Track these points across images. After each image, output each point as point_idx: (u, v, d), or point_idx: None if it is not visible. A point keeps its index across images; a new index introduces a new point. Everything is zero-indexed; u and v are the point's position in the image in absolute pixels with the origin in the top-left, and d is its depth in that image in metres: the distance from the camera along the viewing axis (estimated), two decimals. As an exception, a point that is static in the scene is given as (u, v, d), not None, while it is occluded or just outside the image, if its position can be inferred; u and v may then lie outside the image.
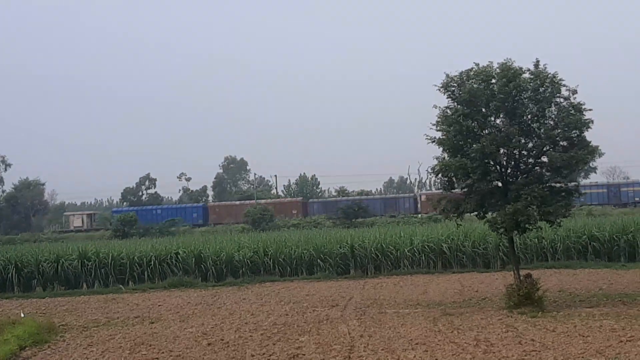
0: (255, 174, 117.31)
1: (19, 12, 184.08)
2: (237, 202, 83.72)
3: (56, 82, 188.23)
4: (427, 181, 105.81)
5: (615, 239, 33.05)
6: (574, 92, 20.40)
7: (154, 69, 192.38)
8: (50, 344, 18.24)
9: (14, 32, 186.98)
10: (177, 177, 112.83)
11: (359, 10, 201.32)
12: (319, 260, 33.94)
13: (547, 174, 20.92)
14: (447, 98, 21.09)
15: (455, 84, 20.89)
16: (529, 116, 20.69)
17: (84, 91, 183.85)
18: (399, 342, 15.95)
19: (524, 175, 20.93)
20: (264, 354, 15.54)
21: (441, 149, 21.14)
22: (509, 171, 21.17)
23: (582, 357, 13.64)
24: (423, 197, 74.01)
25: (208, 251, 34.96)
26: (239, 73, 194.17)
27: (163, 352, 16.39)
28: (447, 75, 21.02)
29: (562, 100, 20.50)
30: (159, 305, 25.85)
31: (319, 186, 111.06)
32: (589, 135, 20.46)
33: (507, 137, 20.11)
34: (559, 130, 20.31)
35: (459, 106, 20.72)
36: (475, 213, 21.82)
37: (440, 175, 21.30)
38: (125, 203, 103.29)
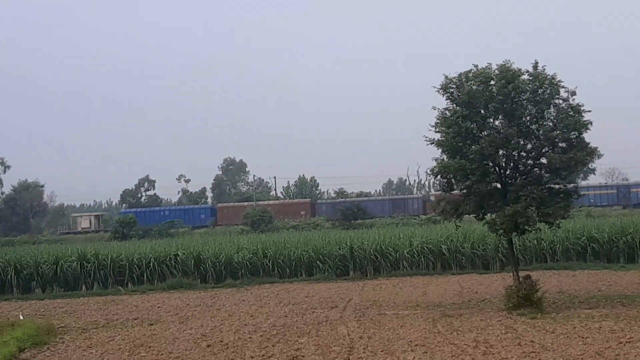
0: (254, 176, 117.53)
1: (19, 12, 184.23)
2: (245, 203, 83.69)
3: (56, 82, 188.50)
4: (426, 183, 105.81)
5: (614, 240, 33.07)
6: (573, 93, 20.42)
7: (153, 69, 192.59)
8: (49, 345, 18.24)
9: (14, 32, 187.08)
10: (176, 179, 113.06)
11: (359, 10, 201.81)
12: (318, 261, 33.96)
13: (546, 175, 20.93)
14: (446, 99, 21.10)
15: (454, 86, 20.90)
16: (528, 118, 20.70)
17: (83, 91, 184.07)
18: (399, 344, 15.95)
19: (523, 177, 20.94)
20: (263, 355, 15.54)
21: (440, 150, 21.16)
22: (507, 172, 21.18)
23: (582, 358, 13.64)
24: (433, 198, 74.00)
25: (207, 253, 34.98)
26: (239, 73, 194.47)
27: (162, 354, 16.39)
28: (446, 77, 21.03)
29: (561, 101, 20.51)
30: (158, 307, 25.85)
31: (318, 188, 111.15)
32: (587, 136, 20.51)
33: (506, 139, 20.12)
34: (558, 132, 20.32)
35: (457, 108, 20.73)
36: (474, 214, 21.83)
37: (439, 176, 21.30)
38: (124, 205, 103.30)
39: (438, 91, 21.14)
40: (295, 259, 34.27)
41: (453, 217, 21.96)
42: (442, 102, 21.17)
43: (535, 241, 32.31)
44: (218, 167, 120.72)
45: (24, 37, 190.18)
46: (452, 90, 20.91)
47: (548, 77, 20.30)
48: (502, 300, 21.06)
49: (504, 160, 20.81)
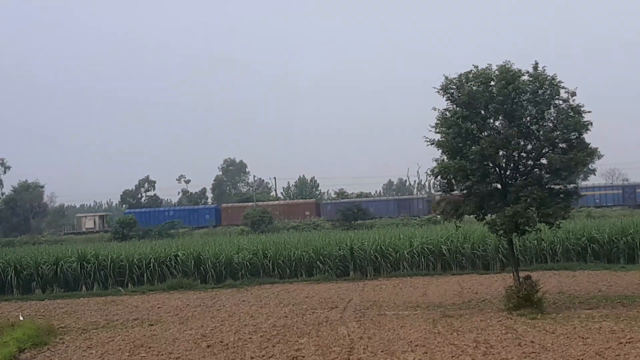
0: (254, 176, 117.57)
1: (19, 12, 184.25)
2: (250, 204, 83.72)
3: (56, 82, 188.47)
4: (427, 183, 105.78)
5: (614, 240, 33.08)
6: (573, 94, 20.44)
7: (153, 69, 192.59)
8: (49, 346, 18.24)
9: (14, 32, 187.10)
10: (177, 180, 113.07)
11: (359, 10, 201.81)
12: (318, 262, 33.96)
13: (546, 176, 20.94)
14: (446, 100, 21.11)
15: (454, 86, 20.91)
16: (528, 118, 20.71)
17: (83, 91, 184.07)
18: (399, 344, 15.96)
19: (523, 177, 20.95)
20: (263, 356, 15.55)
21: (440, 151, 21.17)
22: (508, 173, 21.19)
23: (582, 358, 13.65)
24: (439, 198, 73.77)
25: (207, 253, 34.98)
26: (239, 73, 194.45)
27: (162, 355, 16.40)
28: (446, 78, 21.05)
29: (561, 102, 20.52)
30: (158, 308, 25.85)
31: (319, 188, 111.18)
32: (588, 137, 20.52)
33: (506, 139, 20.14)
34: (558, 133, 20.33)
35: (458, 108, 20.74)
36: (475, 215, 21.84)
37: (439, 177, 21.32)
38: (125, 205, 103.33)
39: (438, 92, 21.15)
40: (296, 259, 34.27)
41: (453, 218, 21.99)
42: (442, 103, 21.22)
43: (536, 242, 32.32)
44: (218, 167, 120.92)
45: (24, 37, 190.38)
46: (452, 91, 20.92)
47: (548, 77, 20.32)
48: (502, 301, 21.07)
49: (504, 160, 20.82)
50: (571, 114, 20.21)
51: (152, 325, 21.46)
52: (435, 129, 20.96)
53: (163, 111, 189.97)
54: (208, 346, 17.02)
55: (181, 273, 33.96)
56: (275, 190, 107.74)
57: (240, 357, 15.58)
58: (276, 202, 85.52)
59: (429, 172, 21.96)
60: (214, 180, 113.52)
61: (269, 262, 34.21)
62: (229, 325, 20.41)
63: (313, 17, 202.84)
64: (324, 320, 20.35)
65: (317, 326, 19.28)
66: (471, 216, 22.28)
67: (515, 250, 24.27)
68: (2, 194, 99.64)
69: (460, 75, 20.95)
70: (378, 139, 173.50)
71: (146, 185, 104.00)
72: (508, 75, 20.18)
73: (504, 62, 20.63)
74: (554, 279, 27.62)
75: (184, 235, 66.16)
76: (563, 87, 20.38)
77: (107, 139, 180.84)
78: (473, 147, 20.23)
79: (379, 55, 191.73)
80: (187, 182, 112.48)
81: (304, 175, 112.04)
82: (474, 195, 21.20)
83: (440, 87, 21.09)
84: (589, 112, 20.26)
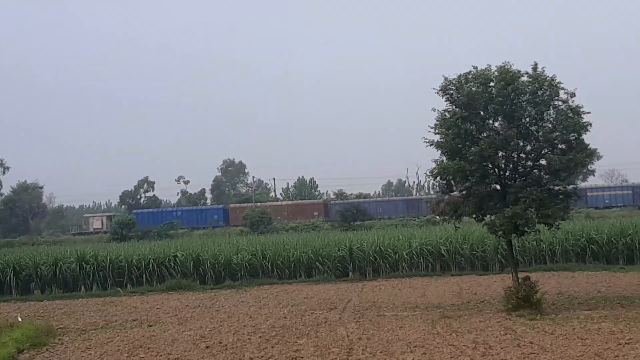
0: (253, 177, 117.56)
1: (19, 12, 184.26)
2: (259, 204, 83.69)
3: (56, 82, 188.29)
4: (426, 184, 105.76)
5: (613, 241, 33.11)
6: (572, 95, 20.46)
7: (153, 69, 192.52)
8: (48, 347, 18.23)
9: (14, 32, 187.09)
10: (176, 180, 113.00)
11: (359, 10, 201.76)
12: (317, 263, 33.98)
13: (546, 176, 20.96)
14: (446, 101, 21.13)
15: (453, 87, 20.92)
16: (528, 119, 20.72)
17: (83, 91, 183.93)
18: (398, 345, 15.95)
19: (523, 178, 20.96)
20: (262, 356, 15.54)
21: (439, 151, 21.17)
22: (507, 174, 21.20)
23: (581, 359, 13.64)
24: (447, 199, 73.42)
25: (206, 254, 34.97)
26: (239, 73, 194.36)
27: (161, 355, 16.39)
28: (446, 79, 21.06)
29: (560, 103, 20.54)
30: (157, 308, 25.84)
31: (317, 189, 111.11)
32: (587, 137, 20.53)
33: (506, 140, 20.15)
34: (558, 133, 20.34)
35: (457, 109, 20.76)
36: (474, 216, 21.84)
37: (438, 178, 21.32)
38: (123, 206, 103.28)
39: (437, 93, 21.17)
40: (295, 260, 34.27)
41: (452, 219, 22.00)
42: (442, 104, 21.23)
43: (535, 242, 32.32)
44: (217, 168, 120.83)
45: (24, 37, 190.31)
46: (451, 91, 20.94)
47: (547, 78, 20.33)
48: (501, 302, 21.07)
49: (503, 161, 20.84)
50: (570, 114, 20.22)
51: (151, 326, 21.45)
52: (435, 130, 20.97)
53: (162, 111, 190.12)
54: (207, 347, 17.02)
55: (180, 274, 33.95)
56: (275, 191, 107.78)
57: (239, 358, 15.58)
58: (284, 203, 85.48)
59: (428, 172, 21.96)
60: (213, 181, 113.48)
61: (268, 263, 34.22)
62: (228, 326, 20.40)
63: (313, 17, 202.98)
64: (322, 321, 20.34)
65: (316, 327, 19.28)
66: (470, 217, 22.27)
67: (514, 251, 24.27)
68: (1, 194, 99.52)
69: (459, 76, 20.97)
70: (377, 139, 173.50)
71: (145, 185, 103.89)
72: (507, 76, 20.20)
73: (503, 63, 20.67)
74: (553, 280, 27.62)
75: (183, 236, 66.12)
76: (562, 88, 20.42)
77: (106, 139, 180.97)
78: (472, 148, 20.24)
79: (379, 56, 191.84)
80: (187, 182, 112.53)
81: (303, 176, 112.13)
82: (473, 196, 21.21)
83: (439, 88, 21.11)
84: (588, 113, 20.32)
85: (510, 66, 20.56)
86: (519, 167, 21.16)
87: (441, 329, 17.83)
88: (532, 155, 20.92)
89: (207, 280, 33.77)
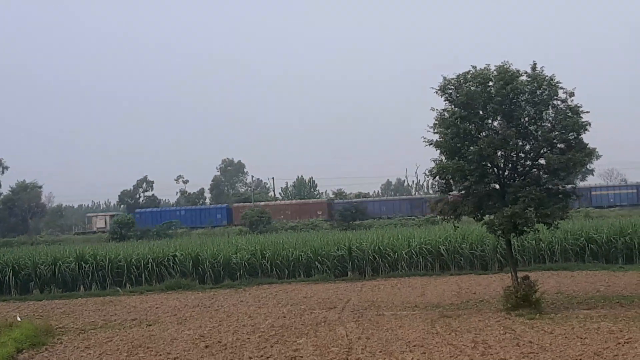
0: (252, 177, 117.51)
1: (19, 12, 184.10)
2: (262, 203, 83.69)
3: (56, 82, 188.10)
4: (425, 184, 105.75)
5: (612, 241, 33.13)
6: (571, 94, 20.46)
7: (154, 69, 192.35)
8: (47, 346, 18.23)
9: (14, 32, 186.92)
10: (175, 180, 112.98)
11: (359, 10, 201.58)
12: (316, 262, 33.98)
13: (545, 176, 20.97)
14: (445, 101, 21.13)
15: (452, 87, 20.92)
16: (526, 119, 20.73)
17: (83, 91, 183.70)
18: (397, 344, 15.96)
19: (522, 178, 20.97)
20: (261, 356, 15.55)
21: (439, 151, 21.17)
22: (506, 173, 21.20)
23: (580, 359, 13.66)
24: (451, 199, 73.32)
25: (205, 253, 34.97)
26: (239, 73, 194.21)
27: (160, 355, 16.39)
28: (445, 78, 21.07)
29: (559, 102, 20.54)
30: (157, 308, 25.84)
31: (317, 188, 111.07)
32: (586, 137, 20.54)
33: (505, 140, 20.15)
34: (556, 133, 20.35)
35: (456, 109, 20.76)
36: (473, 215, 21.84)
37: (437, 177, 21.33)
38: (122, 205, 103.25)
39: (436, 92, 21.17)
40: (294, 259, 34.28)
41: (451, 218, 22.00)
42: (441, 103, 21.24)
43: (534, 242, 32.29)
44: (216, 167, 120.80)
45: (24, 37, 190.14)
46: (450, 91, 20.95)
47: (546, 78, 20.35)
48: (500, 301, 21.08)
49: (502, 161, 20.84)
50: (569, 114, 20.23)
51: (150, 325, 21.45)
52: (434, 130, 20.97)
53: (162, 111, 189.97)
54: (206, 346, 17.02)
55: (179, 273, 33.97)
56: (274, 190, 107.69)
57: (238, 358, 15.58)
58: (288, 202, 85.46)
59: (427, 172, 21.97)
60: (212, 181, 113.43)
61: (267, 262, 34.23)
62: (227, 325, 20.40)
63: (313, 17, 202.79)
64: (322, 321, 20.34)
65: (316, 326, 19.28)
66: (469, 216, 22.28)
67: (513, 251, 24.28)
68: (0, 194, 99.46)
69: (458, 76, 20.98)
70: (376, 139, 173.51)
71: (144, 185, 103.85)
72: (506, 76, 20.21)
73: (502, 63, 20.68)
74: (552, 279, 27.64)
75: (182, 236, 66.13)
76: (561, 88, 20.43)
77: (105, 138, 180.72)
78: (471, 148, 20.24)
79: (379, 55, 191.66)
80: (186, 182, 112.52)
81: (302, 176, 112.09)
82: (472, 195, 21.21)
83: (438, 88, 21.11)
84: (587, 112, 20.33)
85: (509, 66, 20.57)
86: (518, 167, 21.17)
87: (440, 329, 17.84)
88: (531, 154, 20.93)
89: (206, 280, 33.78)
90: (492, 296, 23.63)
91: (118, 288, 33.23)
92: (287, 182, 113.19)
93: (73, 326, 22.04)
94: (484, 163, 20.60)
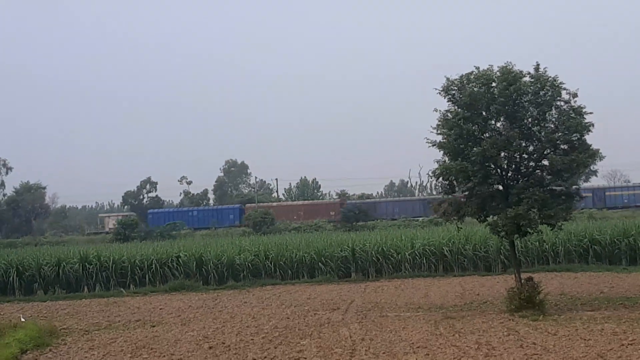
0: (256, 178, 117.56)
1: (19, 12, 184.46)
2: (274, 204, 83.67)
3: (56, 82, 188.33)
4: (428, 184, 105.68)
5: (616, 242, 33.08)
6: (575, 95, 20.46)
7: (153, 69, 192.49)
8: (51, 347, 18.28)
9: (14, 32, 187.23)
10: (178, 181, 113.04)
11: (359, 10, 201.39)
12: (320, 263, 33.98)
13: (548, 177, 20.97)
14: (448, 101, 21.15)
15: (455, 88, 20.93)
16: (530, 119, 20.74)
17: (83, 92, 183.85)
18: (400, 346, 15.97)
19: (525, 179, 20.97)
20: (265, 357, 15.57)
21: (442, 152, 21.18)
22: (509, 174, 21.20)
23: (584, 360, 13.66)
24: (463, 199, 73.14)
25: (209, 255, 35.01)
26: (240, 73, 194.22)
27: (164, 356, 16.41)
28: (448, 79, 21.09)
29: (562, 103, 20.55)
30: (160, 309, 25.87)
31: (320, 189, 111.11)
32: (589, 138, 20.54)
33: (508, 141, 20.15)
34: (560, 134, 20.35)
35: (459, 109, 20.78)
36: (476, 216, 21.85)
37: (441, 178, 21.35)
38: (126, 207, 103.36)
39: (439, 93, 21.18)
40: (297, 260, 34.29)
41: (455, 219, 21.99)
42: (444, 104, 21.24)
43: (537, 243, 32.25)
44: (220, 168, 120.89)
45: (24, 37, 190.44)
46: (453, 92, 20.96)
47: (550, 79, 20.35)
48: (504, 302, 21.07)
49: (505, 162, 20.84)
50: (573, 115, 20.23)
51: (154, 326, 21.48)
52: (437, 131, 20.99)
53: (164, 111, 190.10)
54: (210, 347, 17.04)
55: (183, 274, 33.99)
56: (277, 191, 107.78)
57: (242, 359, 15.61)
58: (300, 203, 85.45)
59: (430, 173, 21.98)
60: (215, 181, 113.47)
61: (271, 263, 34.25)
62: (231, 326, 20.42)
63: (313, 17, 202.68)
64: (325, 322, 20.36)
65: (319, 327, 19.30)
66: (473, 218, 22.28)
67: (517, 252, 24.29)
68: (4, 195, 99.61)
69: (461, 77, 20.99)
70: (379, 140, 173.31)
71: (148, 186, 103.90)
72: (509, 77, 20.21)
73: (505, 64, 20.68)
74: (555, 281, 27.61)
75: (185, 237, 66.18)
76: (564, 89, 20.42)
77: (108, 139, 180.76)
78: (474, 149, 20.26)
79: (379, 56, 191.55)
80: (189, 183, 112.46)
81: (305, 177, 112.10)
82: (476, 196, 21.22)
83: (441, 89, 21.12)
84: (591, 113, 20.34)
85: (513, 67, 20.58)
86: (522, 168, 21.17)
87: (444, 330, 17.84)
88: (535, 155, 20.93)
89: (210, 281, 33.81)
90: (495, 297, 23.62)
91: (122, 289, 33.27)
92: (290, 183, 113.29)
93: (77, 327, 22.08)
94: (487, 164, 20.60)
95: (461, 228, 23.61)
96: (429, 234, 37.17)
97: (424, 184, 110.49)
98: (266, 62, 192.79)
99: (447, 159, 21.16)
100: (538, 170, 21.12)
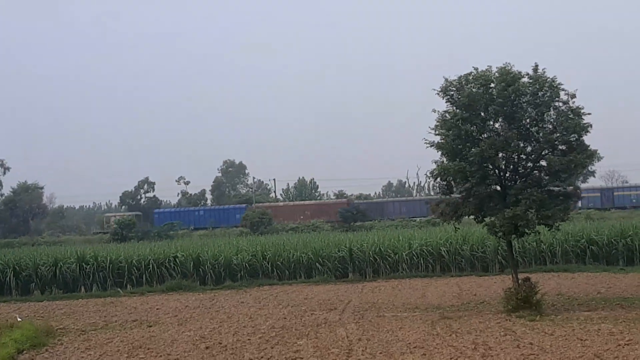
0: (254, 178, 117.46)
1: (19, 11, 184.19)
2: (281, 204, 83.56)
3: (56, 83, 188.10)
4: (426, 185, 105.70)
5: (613, 242, 33.12)
6: (573, 96, 20.49)
7: (151, 69, 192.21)
8: (48, 347, 18.24)
9: (13, 32, 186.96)
10: (176, 181, 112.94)
11: (359, 11, 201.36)
12: (317, 263, 33.98)
13: (546, 177, 21.00)
14: (446, 102, 21.15)
15: (454, 88, 20.94)
16: (528, 120, 20.75)
17: (83, 92, 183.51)
18: (397, 346, 15.96)
19: (523, 179, 20.99)
20: (262, 357, 15.56)
21: (440, 152, 21.18)
22: (507, 175, 21.21)
23: (580, 360, 13.67)
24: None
25: (206, 255, 34.98)
26: (239, 73, 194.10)
27: (161, 356, 16.40)
28: (446, 80, 21.08)
29: (561, 104, 20.57)
30: (157, 309, 25.85)
31: (318, 190, 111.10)
32: (587, 139, 20.55)
33: (506, 141, 20.17)
34: (558, 134, 20.38)
35: (457, 110, 20.78)
36: (474, 217, 21.85)
37: (439, 179, 21.34)
38: (124, 207, 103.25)
39: (438, 94, 21.18)
40: (295, 261, 34.28)
41: (452, 220, 22.00)
42: (442, 105, 21.24)
43: (535, 243, 32.30)
44: (218, 169, 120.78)
45: (23, 37, 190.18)
46: (452, 92, 20.96)
47: (548, 79, 20.37)
48: (501, 303, 21.08)
49: (503, 162, 20.86)
50: (571, 115, 20.27)
51: (150, 326, 21.46)
52: (435, 131, 20.99)
53: (161, 112, 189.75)
54: (207, 347, 17.02)
55: (180, 274, 33.96)
56: (275, 191, 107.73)
57: (238, 359, 15.59)
58: (307, 202, 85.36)
59: (428, 174, 21.98)
60: (213, 182, 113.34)
61: (268, 263, 34.24)
62: (228, 326, 20.41)
63: (313, 17, 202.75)
64: (322, 322, 20.35)
65: (316, 328, 19.29)
66: (470, 218, 22.29)
67: (514, 252, 24.29)
68: (2, 195, 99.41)
69: (460, 77, 21.00)
70: (377, 140, 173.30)
71: (145, 186, 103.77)
72: (508, 77, 20.23)
73: (503, 64, 20.68)
74: (552, 281, 27.63)
75: (183, 237, 66.14)
76: (563, 89, 20.44)
77: (105, 139, 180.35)
78: (473, 149, 20.27)
79: (379, 55, 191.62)
80: (187, 183, 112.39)
81: (303, 177, 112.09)
82: (474, 197, 21.22)
83: (440, 89, 21.13)
84: (589, 114, 20.35)
85: (511, 67, 20.59)
86: (519, 168, 21.19)
87: (441, 330, 17.84)
88: (533, 156, 20.95)
89: (207, 281, 33.79)
90: (492, 298, 23.62)
91: (119, 289, 33.23)
92: (288, 183, 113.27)
93: (74, 327, 22.05)
94: (485, 165, 20.61)
95: (459, 228, 23.65)
96: (426, 234, 37.19)
97: (422, 185, 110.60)
98: (265, 62, 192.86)
99: (445, 159, 21.17)
100: (536, 171, 21.15)
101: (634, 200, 70.47)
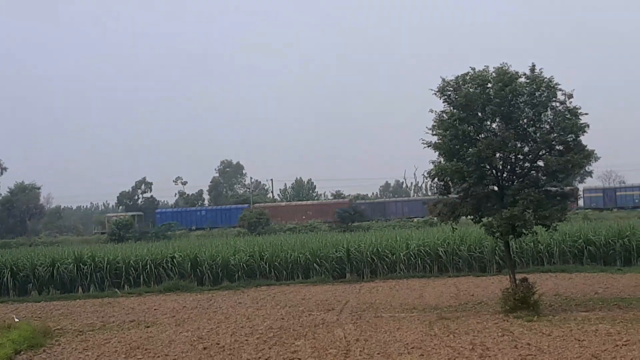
0: (251, 178, 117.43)
1: (18, 11, 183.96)
2: (283, 204, 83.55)
3: (52, 82, 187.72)
4: (423, 185, 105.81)
5: (611, 243, 33.16)
6: (570, 96, 20.50)
7: (150, 69, 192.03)
8: (45, 348, 18.22)
9: (13, 31, 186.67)
10: (173, 181, 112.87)
11: (359, 11, 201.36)
12: (315, 264, 33.99)
13: (543, 178, 21.01)
14: (443, 102, 21.16)
15: (451, 88, 20.95)
16: (525, 120, 20.76)
17: (81, 93, 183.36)
18: (395, 346, 15.96)
19: (520, 180, 21.00)
20: (259, 358, 15.55)
21: (437, 153, 21.19)
22: (504, 175, 21.23)
23: (578, 361, 13.68)
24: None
25: (204, 255, 34.98)
26: (239, 73, 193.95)
27: (159, 356, 16.38)
28: (443, 80, 21.09)
29: (558, 104, 20.58)
30: (155, 309, 25.83)
31: (315, 190, 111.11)
32: (584, 139, 20.58)
33: (503, 142, 20.18)
34: (555, 135, 20.39)
35: (455, 110, 20.79)
36: (471, 217, 21.86)
37: (436, 179, 21.37)
38: (121, 207, 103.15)
39: (435, 94, 21.19)
40: (292, 261, 34.29)
41: (450, 220, 22.01)
42: (440, 105, 21.25)
43: (532, 244, 32.26)
44: (215, 169, 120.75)
45: (23, 37, 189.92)
46: (449, 93, 20.97)
47: (545, 80, 20.38)
48: (498, 303, 21.09)
49: (501, 163, 20.87)
50: (568, 116, 20.27)
51: (148, 327, 21.44)
52: (432, 131, 21.00)
53: (159, 112, 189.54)
54: (204, 348, 17.01)
55: (178, 275, 33.97)
56: (272, 192, 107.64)
57: (236, 359, 15.57)
58: (310, 202, 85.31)
59: (425, 174, 21.98)
60: (210, 182, 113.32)
61: (266, 264, 34.24)
62: (225, 327, 20.39)
63: (312, 17, 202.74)
64: (320, 323, 20.35)
65: (314, 328, 19.28)
66: (468, 218, 22.30)
67: (511, 253, 24.30)
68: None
69: (457, 77, 21.01)
70: (375, 141, 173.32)
71: (143, 186, 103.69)
72: (505, 78, 20.24)
73: (501, 64, 20.70)
74: (550, 281, 27.65)
75: (180, 237, 66.09)
76: (560, 89, 20.45)
77: (103, 140, 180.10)
78: (470, 149, 20.28)
79: (378, 56, 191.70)
80: (184, 183, 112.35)
81: (300, 177, 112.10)
82: (471, 197, 21.23)
83: (437, 89, 21.13)
84: (586, 114, 20.37)
85: (508, 67, 20.60)
86: (517, 169, 21.21)
87: (438, 331, 17.84)
88: (530, 156, 20.97)
89: (205, 281, 33.79)
90: (490, 298, 23.64)
91: (116, 289, 33.20)
92: (285, 184, 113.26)
93: (71, 328, 22.02)
94: (482, 165, 20.63)
95: (456, 229, 23.65)
96: (423, 235, 37.21)
97: (419, 185, 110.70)
98: (265, 62, 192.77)
99: (442, 159, 21.18)
100: (533, 171, 21.17)
101: (636, 200, 70.47)
